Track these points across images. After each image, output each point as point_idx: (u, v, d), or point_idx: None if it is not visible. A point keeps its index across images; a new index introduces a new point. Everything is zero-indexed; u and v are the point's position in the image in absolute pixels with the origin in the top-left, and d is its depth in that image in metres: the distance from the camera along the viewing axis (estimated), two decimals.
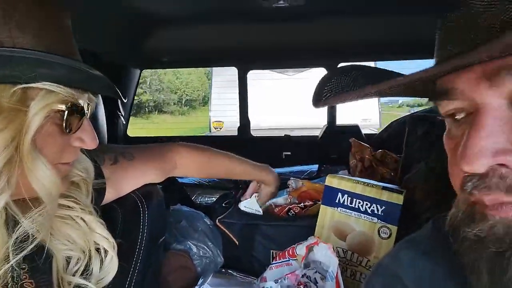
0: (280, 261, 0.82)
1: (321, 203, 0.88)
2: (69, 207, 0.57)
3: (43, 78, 0.45)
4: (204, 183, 1.62)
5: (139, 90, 13.04)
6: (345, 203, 0.85)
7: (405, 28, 1.31)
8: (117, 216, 0.71)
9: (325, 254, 0.75)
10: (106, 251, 0.59)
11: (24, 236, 0.50)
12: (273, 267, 0.82)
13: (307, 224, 0.91)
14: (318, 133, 1.88)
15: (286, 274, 0.77)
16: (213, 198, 1.53)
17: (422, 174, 0.90)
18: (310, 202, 0.99)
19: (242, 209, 1.01)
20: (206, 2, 1.05)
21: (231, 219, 0.99)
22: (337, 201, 0.86)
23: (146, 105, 14.10)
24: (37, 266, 0.54)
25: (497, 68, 0.28)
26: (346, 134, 1.41)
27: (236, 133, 1.90)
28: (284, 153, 1.82)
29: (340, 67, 0.41)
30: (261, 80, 5.37)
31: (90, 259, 0.57)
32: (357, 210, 0.84)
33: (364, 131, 1.80)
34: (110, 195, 0.69)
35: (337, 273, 0.72)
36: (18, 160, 0.45)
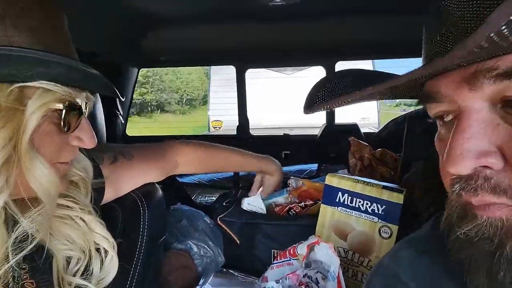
0: (281, 260, 0.81)
1: (321, 203, 0.88)
2: (68, 207, 0.56)
3: (40, 77, 0.45)
4: (204, 182, 1.62)
5: (143, 90, 13.36)
6: (345, 203, 0.85)
7: (403, 27, 1.30)
8: (117, 215, 0.71)
9: (326, 254, 0.75)
10: (106, 251, 0.59)
11: (24, 236, 0.49)
12: (274, 267, 0.82)
13: (308, 223, 0.91)
14: (317, 132, 1.88)
15: (288, 274, 0.76)
16: (213, 198, 1.53)
17: (421, 173, 0.89)
18: (311, 202, 0.99)
19: (245, 206, 1.00)
20: (204, 1, 1.05)
21: (232, 217, 0.99)
22: (337, 200, 0.86)
23: (149, 105, 14.28)
24: (38, 266, 0.53)
25: (474, 72, 0.28)
26: (345, 133, 1.41)
27: (235, 132, 1.90)
28: (284, 152, 1.82)
29: (333, 73, 0.42)
30: (259, 79, 5.38)
31: (90, 259, 0.57)
32: (358, 209, 0.83)
33: (363, 130, 1.80)
34: (109, 195, 0.69)
35: (338, 273, 0.72)
36: (16, 159, 0.45)
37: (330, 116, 1.86)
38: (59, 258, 0.54)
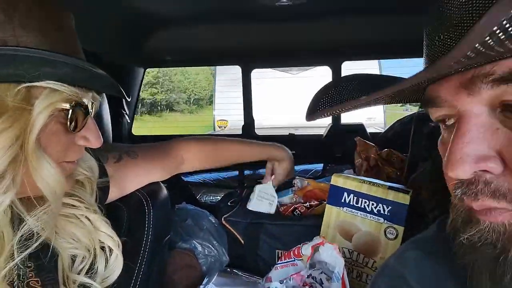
0: (285, 261, 0.81)
1: (327, 203, 0.88)
2: (73, 205, 0.57)
3: (47, 76, 0.45)
4: (209, 181, 1.62)
5: (153, 90, 13.76)
6: (351, 203, 0.84)
7: (410, 27, 1.29)
8: (122, 214, 0.72)
9: (331, 255, 0.74)
10: (111, 250, 0.59)
11: (29, 234, 0.50)
12: (278, 267, 0.81)
13: (313, 224, 0.91)
14: (322, 132, 1.87)
15: (292, 275, 0.76)
16: (218, 197, 1.53)
17: (428, 173, 0.89)
18: (316, 202, 0.99)
19: (256, 194, 0.99)
20: (208, 1, 1.05)
21: (237, 217, 0.99)
22: (342, 200, 0.85)
23: (159, 104, 14.54)
24: (43, 264, 0.54)
25: (472, 77, 0.28)
26: (351, 133, 1.40)
27: (240, 132, 1.90)
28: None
29: (337, 79, 0.43)
30: (264, 79, 5.38)
31: (95, 257, 0.57)
32: (363, 210, 0.83)
33: (369, 130, 1.79)
34: (114, 194, 0.70)
35: (343, 274, 0.71)
36: (23, 158, 0.46)
37: (336, 116, 1.85)
38: (64, 257, 0.55)
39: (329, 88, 0.41)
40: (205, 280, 0.86)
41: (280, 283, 0.76)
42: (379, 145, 1.19)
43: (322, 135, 1.84)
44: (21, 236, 0.49)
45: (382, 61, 5.38)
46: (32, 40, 0.45)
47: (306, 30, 1.33)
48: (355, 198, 0.84)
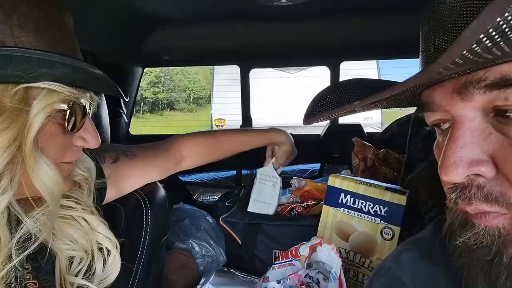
0: (283, 261, 0.81)
1: (324, 203, 0.88)
2: (70, 207, 0.57)
3: (45, 77, 0.45)
4: (206, 181, 1.62)
5: (155, 89, 13.81)
6: (348, 204, 0.85)
7: (408, 27, 1.29)
8: (120, 215, 0.71)
9: (328, 255, 0.75)
10: (109, 251, 0.59)
11: (27, 235, 0.50)
12: (276, 267, 0.82)
13: (310, 224, 0.91)
14: (320, 131, 1.87)
15: (289, 275, 0.76)
16: (215, 197, 1.53)
17: (425, 174, 0.89)
18: (313, 202, 0.99)
19: (258, 177, 0.99)
20: (207, 1, 1.05)
21: (235, 218, 0.99)
22: (339, 201, 0.85)
23: (161, 103, 14.63)
24: (40, 266, 0.54)
25: (465, 82, 0.29)
26: (349, 133, 1.40)
27: None
28: None
29: (336, 84, 0.43)
30: (262, 79, 5.38)
31: (92, 259, 0.57)
32: (360, 210, 0.83)
33: (366, 129, 1.79)
34: (111, 194, 0.69)
35: (340, 274, 0.72)
36: (20, 159, 0.45)
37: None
38: (62, 258, 0.55)
39: (327, 93, 0.42)
40: (202, 280, 0.86)
41: (278, 283, 0.76)
42: (377, 146, 1.19)
43: (319, 134, 1.84)
44: (19, 237, 0.49)
45: (380, 61, 5.39)
46: (31, 40, 0.45)
47: (304, 30, 1.33)
48: (352, 199, 0.84)
